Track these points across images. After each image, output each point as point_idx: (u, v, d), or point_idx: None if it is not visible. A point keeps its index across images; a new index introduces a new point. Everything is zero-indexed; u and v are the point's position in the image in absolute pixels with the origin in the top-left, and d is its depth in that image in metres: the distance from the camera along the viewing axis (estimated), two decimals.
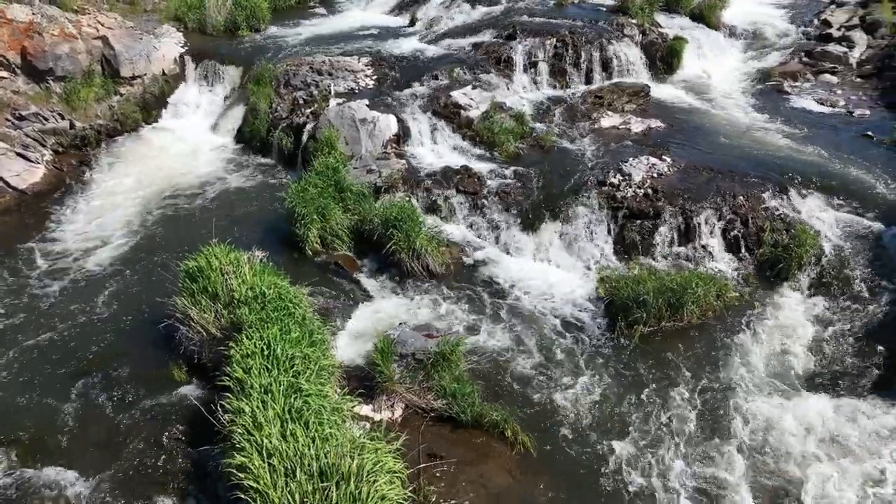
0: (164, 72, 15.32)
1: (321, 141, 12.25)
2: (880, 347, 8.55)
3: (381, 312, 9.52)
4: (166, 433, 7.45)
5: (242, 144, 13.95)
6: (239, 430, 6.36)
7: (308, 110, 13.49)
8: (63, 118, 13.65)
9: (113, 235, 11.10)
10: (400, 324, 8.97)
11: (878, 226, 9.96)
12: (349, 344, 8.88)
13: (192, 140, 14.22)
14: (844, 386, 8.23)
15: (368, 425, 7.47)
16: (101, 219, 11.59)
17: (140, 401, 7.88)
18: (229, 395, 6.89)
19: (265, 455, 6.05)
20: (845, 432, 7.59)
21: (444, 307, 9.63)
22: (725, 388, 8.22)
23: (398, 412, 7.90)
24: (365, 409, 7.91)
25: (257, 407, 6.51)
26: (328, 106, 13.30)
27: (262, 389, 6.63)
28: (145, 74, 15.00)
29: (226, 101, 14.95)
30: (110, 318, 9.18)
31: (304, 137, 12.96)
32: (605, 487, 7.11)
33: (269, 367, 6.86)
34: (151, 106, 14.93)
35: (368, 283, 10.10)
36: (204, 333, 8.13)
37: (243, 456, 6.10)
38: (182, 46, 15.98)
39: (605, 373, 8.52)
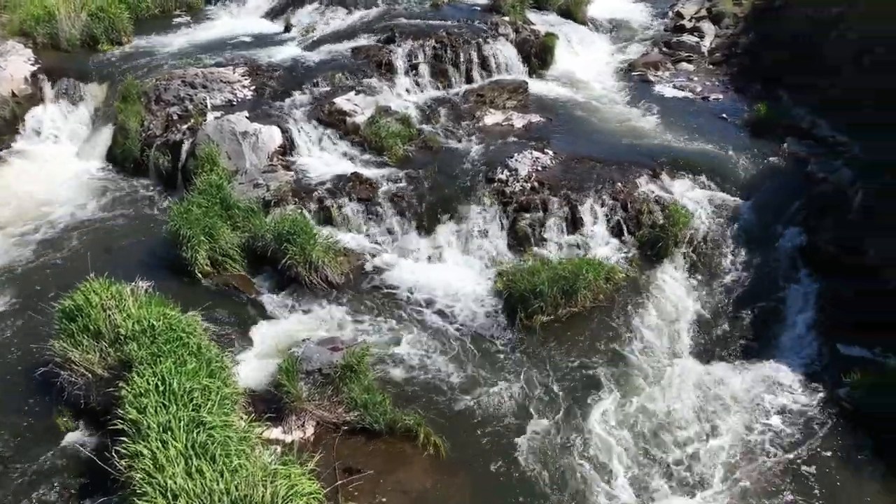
0: (13, 93, 13.99)
1: (201, 158, 11.70)
2: (747, 312, 9.44)
3: (284, 330, 9.28)
4: (55, 489, 6.86)
5: (114, 167, 13.02)
6: (139, 475, 5.98)
7: (184, 126, 12.82)
8: None
9: None
10: (303, 340, 8.79)
11: (738, 200, 10.96)
12: (253, 367, 8.58)
13: (56, 166, 13.09)
14: (721, 349, 9.04)
15: (280, 449, 7.28)
16: None
17: (21, 457, 7.20)
18: (125, 438, 6.45)
19: (170, 497, 5.74)
20: (723, 390, 8.34)
21: (347, 318, 9.54)
22: (621, 364, 8.75)
23: (310, 431, 7.76)
24: (275, 433, 7.71)
25: (157, 447, 6.15)
26: (206, 120, 12.71)
27: (161, 428, 6.27)
28: None
29: (91, 121, 13.90)
30: None
31: (183, 155, 12.31)
32: (516, 477, 7.36)
33: (167, 403, 6.49)
34: (3, 131, 13.59)
35: (267, 301, 9.81)
36: (89, 375, 7.56)
37: (146, 501, 5.75)
38: (33, 64, 14.65)
39: (509, 365, 8.80)
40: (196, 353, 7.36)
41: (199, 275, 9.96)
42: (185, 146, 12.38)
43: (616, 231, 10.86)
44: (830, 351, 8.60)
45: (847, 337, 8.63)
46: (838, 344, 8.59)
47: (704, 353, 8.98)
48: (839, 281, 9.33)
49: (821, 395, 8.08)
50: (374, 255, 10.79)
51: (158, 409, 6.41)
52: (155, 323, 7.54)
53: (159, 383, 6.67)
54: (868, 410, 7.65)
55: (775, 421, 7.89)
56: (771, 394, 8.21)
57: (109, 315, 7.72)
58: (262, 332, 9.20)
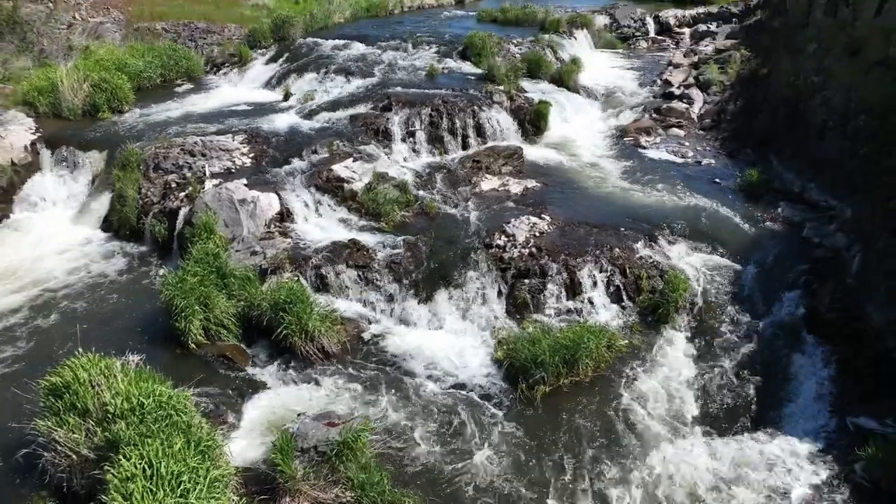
0: (12, 161, 14.08)
1: (198, 225, 11.64)
2: (752, 380, 9.22)
3: (278, 403, 8.99)
4: None
5: (110, 234, 12.98)
6: None
7: (182, 194, 12.86)
8: None
9: None
10: (299, 415, 8.49)
11: (736, 266, 10.94)
12: (246, 443, 8.26)
13: (51, 233, 13.03)
14: (727, 421, 8.75)
15: None
16: None
17: None
18: None
19: None
20: (732, 465, 8.04)
21: (344, 389, 9.28)
22: (625, 438, 8.47)
23: None
24: None
25: None
26: (204, 188, 12.76)
27: None
28: None
29: (89, 189, 13.94)
30: None
31: (180, 222, 12.29)
32: None
33: (154, 489, 6.17)
34: (1, 200, 13.60)
35: (262, 373, 9.55)
36: (74, 457, 7.21)
37: None
38: (34, 133, 14.84)
39: (512, 439, 8.51)
40: (185, 432, 7.06)
41: (193, 346, 9.74)
42: (182, 213, 12.37)
43: (615, 297, 10.76)
44: (841, 422, 8.36)
45: (857, 407, 8.41)
46: (849, 414, 8.36)
47: (710, 426, 8.70)
48: (844, 347, 9.19)
49: (836, 470, 7.79)
50: (371, 323, 10.62)
51: (145, 495, 6.09)
52: (144, 401, 7.26)
53: (147, 467, 6.36)
54: (888, 486, 7.35)
55: (791, 501, 7.56)
56: (783, 469, 7.90)
57: (98, 392, 7.45)
58: (255, 406, 8.92)
